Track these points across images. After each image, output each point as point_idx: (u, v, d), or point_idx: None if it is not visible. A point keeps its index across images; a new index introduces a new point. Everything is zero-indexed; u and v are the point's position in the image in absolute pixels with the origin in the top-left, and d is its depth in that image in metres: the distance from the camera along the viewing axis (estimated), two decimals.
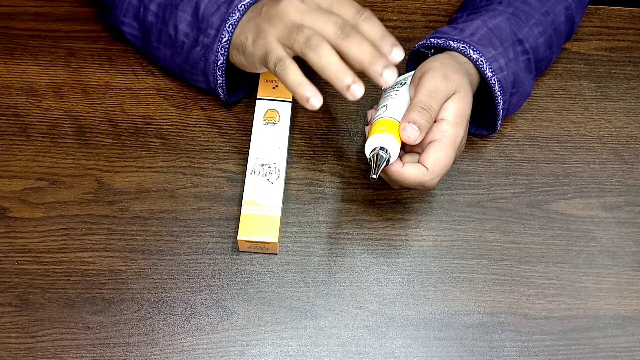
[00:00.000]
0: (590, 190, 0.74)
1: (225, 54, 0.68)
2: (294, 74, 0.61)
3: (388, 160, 0.61)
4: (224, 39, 0.68)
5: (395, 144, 0.61)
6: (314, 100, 0.61)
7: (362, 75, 0.62)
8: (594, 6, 0.85)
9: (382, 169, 0.61)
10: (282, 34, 0.63)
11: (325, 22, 0.62)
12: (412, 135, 0.61)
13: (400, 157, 0.63)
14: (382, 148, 0.61)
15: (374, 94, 0.75)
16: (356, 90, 0.60)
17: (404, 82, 0.67)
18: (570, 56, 0.82)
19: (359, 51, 0.61)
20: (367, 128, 0.66)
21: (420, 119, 0.61)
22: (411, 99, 0.64)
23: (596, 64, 0.82)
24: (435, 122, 0.63)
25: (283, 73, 0.62)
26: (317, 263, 0.69)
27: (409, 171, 0.62)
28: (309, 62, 0.61)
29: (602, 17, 0.85)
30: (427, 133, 0.62)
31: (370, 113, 0.67)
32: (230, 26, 0.67)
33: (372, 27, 0.63)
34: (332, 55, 0.60)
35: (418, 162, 0.62)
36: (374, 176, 0.60)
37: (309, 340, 0.65)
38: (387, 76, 0.60)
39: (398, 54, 0.61)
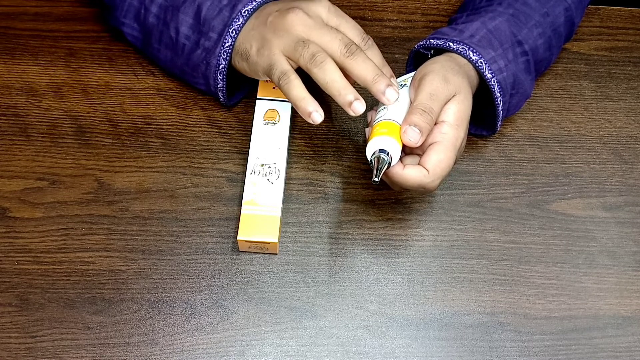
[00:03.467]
0: (590, 190, 0.74)
1: (228, 58, 0.68)
2: (298, 89, 0.63)
3: (390, 163, 0.61)
4: (227, 44, 0.68)
5: (397, 147, 0.61)
6: (316, 115, 0.64)
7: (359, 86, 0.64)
8: (594, 6, 0.85)
9: (384, 172, 0.61)
10: (287, 47, 0.64)
11: (332, 39, 0.64)
12: (414, 138, 0.61)
13: (400, 159, 0.63)
14: (383, 151, 0.61)
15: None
16: (358, 107, 0.63)
17: (403, 84, 0.67)
18: (570, 56, 0.82)
19: (364, 69, 0.63)
20: (367, 130, 0.66)
21: (421, 122, 0.61)
22: (411, 101, 0.64)
23: (596, 64, 0.82)
24: (435, 124, 0.63)
25: (287, 87, 0.64)
26: (317, 263, 0.69)
27: (409, 173, 0.62)
28: (314, 77, 0.63)
29: (602, 17, 0.85)
30: (428, 135, 0.63)
31: (370, 114, 0.67)
32: (234, 31, 0.67)
33: (374, 56, 0.66)
34: (336, 72, 0.63)
35: (419, 164, 0.63)
36: (376, 179, 0.61)
37: (309, 340, 0.65)
38: (389, 94, 0.63)
39: (392, 94, 0.63)
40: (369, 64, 0.63)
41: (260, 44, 0.66)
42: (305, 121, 0.75)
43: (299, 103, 0.63)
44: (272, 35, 0.65)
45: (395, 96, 0.64)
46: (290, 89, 0.64)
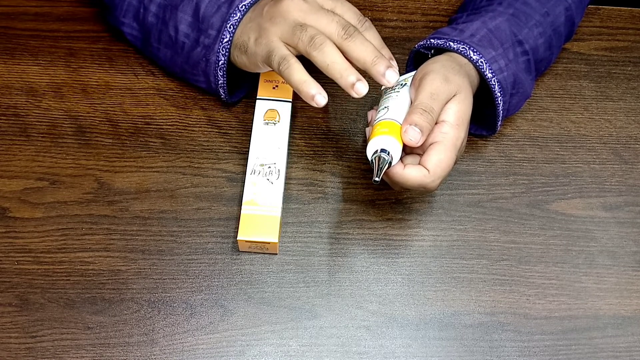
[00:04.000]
0: (590, 190, 0.74)
1: (227, 54, 0.68)
2: (299, 73, 0.62)
3: (390, 163, 0.61)
4: (225, 40, 0.68)
5: (397, 146, 0.61)
6: (319, 97, 0.62)
7: (363, 74, 0.63)
8: (594, 6, 0.85)
9: (384, 172, 0.61)
10: (285, 33, 0.63)
11: (329, 22, 0.63)
12: (414, 138, 0.61)
13: (401, 158, 0.63)
14: (384, 150, 0.61)
15: (375, 94, 0.75)
16: (360, 88, 0.61)
17: (404, 83, 0.67)
18: (570, 56, 0.82)
19: (362, 51, 0.62)
20: (368, 129, 0.66)
21: (422, 121, 0.61)
22: (412, 101, 0.64)
23: (596, 64, 0.82)
24: (436, 124, 0.63)
25: (287, 72, 0.62)
26: (317, 263, 0.69)
27: (410, 173, 0.62)
28: (314, 60, 0.62)
29: (602, 17, 0.85)
30: (428, 135, 0.62)
31: (370, 114, 0.67)
32: (232, 26, 0.67)
33: (372, 37, 0.65)
34: (336, 54, 0.62)
35: (419, 163, 0.63)
36: (377, 179, 0.60)
37: (309, 340, 0.65)
38: (389, 76, 0.62)
39: (392, 76, 0.62)
40: (368, 46, 0.62)
41: (258, 34, 0.65)
42: (305, 121, 0.76)
43: (300, 87, 0.62)
44: (269, 24, 0.65)
45: (396, 77, 0.63)
46: (291, 73, 0.63)
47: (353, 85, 0.61)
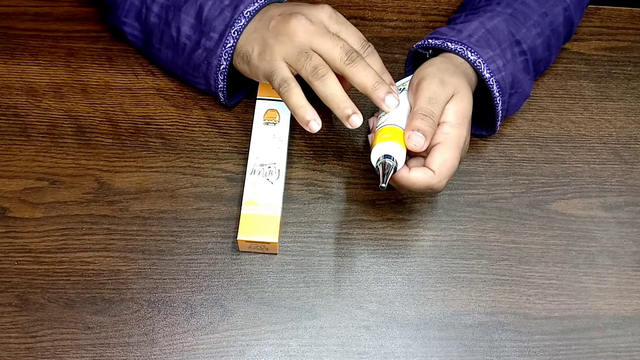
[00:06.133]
0: (590, 190, 0.74)
1: (229, 59, 0.68)
2: (297, 97, 0.64)
3: (395, 168, 0.61)
4: (228, 45, 0.68)
5: (401, 151, 0.62)
6: (313, 123, 0.64)
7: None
8: (594, 6, 0.85)
9: (390, 177, 0.61)
10: (289, 55, 0.64)
11: (333, 47, 0.64)
12: (418, 143, 0.62)
13: (405, 163, 0.63)
14: (388, 156, 0.61)
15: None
16: (355, 120, 0.63)
17: (402, 87, 0.67)
18: (570, 56, 0.82)
19: (364, 76, 0.64)
20: (370, 136, 0.66)
21: (424, 126, 0.62)
22: (411, 106, 0.65)
23: (596, 64, 0.82)
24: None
25: (287, 94, 0.64)
26: (317, 263, 0.69)
27: (416, 176, 0.62)
28: (315, 89, 0.64)
29: (602, 17, 0.85)
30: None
31: (372, 121, 0.68)
32: (236, 32, 0.68)
33: (374, 62, 0.66)
34: (336, 86, 0.64)
35: (424, 165, 0.63)
36: (384, 185, 0.61)
37: (309, 340, 0.65)
38: (388, 101, 0.64)
39: (392, 101, 0.64)
40: (369, 72, 0.64)
41: (262, 49, 0.66)
42: None
43: (297, 111, 0.64)
44: (274, 41, 0.65)
45: (395, 103, 0.64)
46: (289, 96, 0.64)
47: (349, 117, 0.63)
